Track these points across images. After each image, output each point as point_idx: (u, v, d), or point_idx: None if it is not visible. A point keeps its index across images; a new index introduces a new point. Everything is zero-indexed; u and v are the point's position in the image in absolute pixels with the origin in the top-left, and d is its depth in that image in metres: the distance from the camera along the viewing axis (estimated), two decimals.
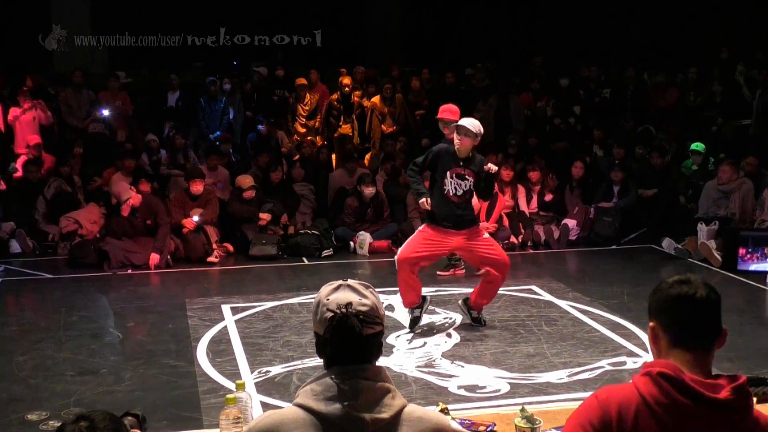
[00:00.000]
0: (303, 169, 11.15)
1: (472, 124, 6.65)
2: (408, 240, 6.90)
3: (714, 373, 2.14)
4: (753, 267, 8.55)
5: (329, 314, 2.21)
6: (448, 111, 7.90)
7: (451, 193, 6.64)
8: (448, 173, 6.66)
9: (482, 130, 6.73)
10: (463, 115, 7.12)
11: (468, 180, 6.68)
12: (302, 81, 12.48)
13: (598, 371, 5.90)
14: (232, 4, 15.21)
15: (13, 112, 10.97)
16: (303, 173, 11.12)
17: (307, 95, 12.48)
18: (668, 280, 2.21)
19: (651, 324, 2.21)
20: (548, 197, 10.66)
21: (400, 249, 6.86)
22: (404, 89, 12.84)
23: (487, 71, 13.68)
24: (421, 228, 6.88)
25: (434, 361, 6.15)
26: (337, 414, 2.12)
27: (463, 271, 8.86)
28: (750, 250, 8.56)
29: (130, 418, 2.83)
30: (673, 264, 9.28)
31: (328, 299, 2.25)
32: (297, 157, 11.58)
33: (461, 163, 6.67)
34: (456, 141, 6.65)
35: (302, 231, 10.09)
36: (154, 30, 13.13)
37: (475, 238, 6.72)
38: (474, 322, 6.94)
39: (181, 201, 9.83)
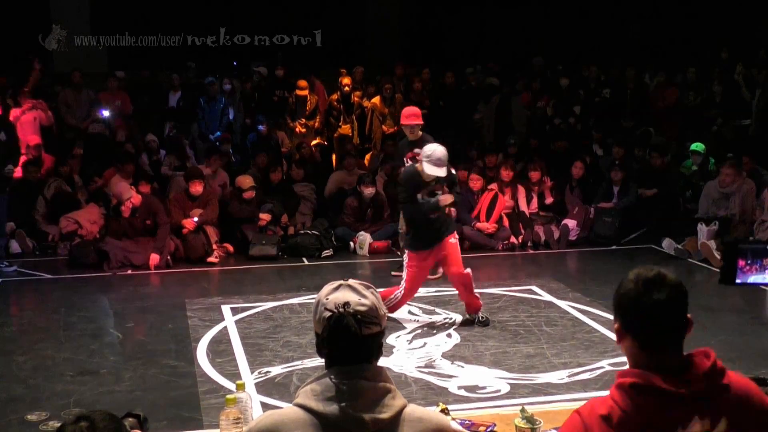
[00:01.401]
0: (303, 169, 11.14)
1: (436, 166, 6.59)
2: (407, 281, 6.89)
3: (686, 353, 2.13)
4: (752, 279, 8.56)
5: (327, 314, 2.21)
6: (413, 116, 8.08)
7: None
8: (419, 196, 6.73)
9: (446, 157, 6.67)
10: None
11: (439, 193, 6.77)
12: (302, 91, 12.44)
13: (598, 371, 5.90)
14: (232, 4, 15.22)
15: (14, 112, 10.94)
16: (303, 173, 11.12)
17: (307, 96, 12.48)
18: (632, 278, 2.14)
19: (616, 326, 2.18)
20: (548, 200, 10.65)
21: (404, 290, 6.89)
22: (404, 89, 12.83)
23: (488, 71, 13.66)
24: (406, 261, 6.89)
25: (434, 361, 6.15)
26: (337, 414, 2.12)
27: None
28: (749, 261, 8.57)
29: (131, 419, 2.83)
30: (674, 264, 9.26)
31: (327, 299, 2.24)
32: (297, 157, 11.57)
33: (432, 183, 6.75)
34: (421, 169, 6.67)
35: (302, 231, 10.08)
36: (154, 30, 13.13)
37: (445, 249, 6.81)
38: (479, 326, 6.95)
39: (181, 201, 9.82)
